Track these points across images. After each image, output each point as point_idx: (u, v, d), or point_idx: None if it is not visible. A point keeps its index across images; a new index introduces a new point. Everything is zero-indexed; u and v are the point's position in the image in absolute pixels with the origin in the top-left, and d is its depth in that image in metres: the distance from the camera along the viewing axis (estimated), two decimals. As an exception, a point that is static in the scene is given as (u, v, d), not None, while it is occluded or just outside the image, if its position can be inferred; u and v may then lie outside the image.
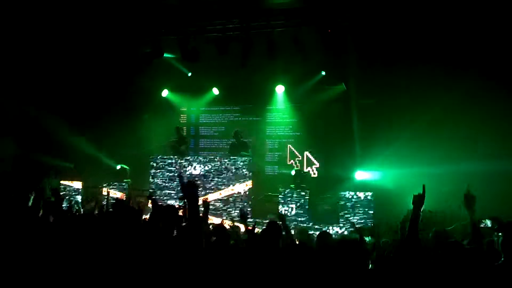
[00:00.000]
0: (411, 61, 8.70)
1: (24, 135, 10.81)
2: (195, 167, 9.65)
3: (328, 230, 7.32)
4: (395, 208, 8.30)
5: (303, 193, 8.84)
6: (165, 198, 9.58)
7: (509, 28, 7.73)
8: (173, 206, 4.45)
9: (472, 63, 8.14)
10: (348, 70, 9.71)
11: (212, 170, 9.51)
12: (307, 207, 8.70)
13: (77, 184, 10.32)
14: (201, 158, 9.92)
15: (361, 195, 8.46)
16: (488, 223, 3.80)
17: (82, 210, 8.06)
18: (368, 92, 9.66)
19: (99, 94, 10.99)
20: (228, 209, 9.18)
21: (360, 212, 8.34)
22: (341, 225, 8.28)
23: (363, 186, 8.92)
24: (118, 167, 10.47)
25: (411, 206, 3.37)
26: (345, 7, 8.86)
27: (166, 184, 9.79)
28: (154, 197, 6.05)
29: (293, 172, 9.38)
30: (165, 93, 11.87)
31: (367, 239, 5.06)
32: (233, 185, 9.27)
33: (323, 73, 10.33)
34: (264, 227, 3.88)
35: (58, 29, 9.61)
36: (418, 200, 3.25)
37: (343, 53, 9.07)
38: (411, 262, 3.18)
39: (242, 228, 6.10)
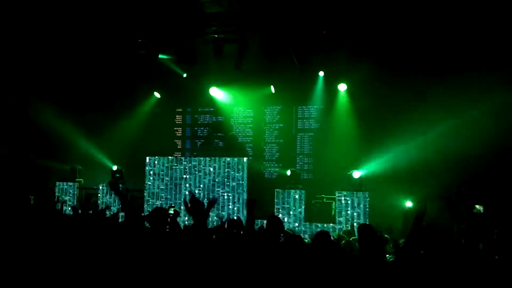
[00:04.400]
0: (408, 63, 8.76)
1: (19, 136, 10.76)
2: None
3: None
4: (390, 207, 8.41)
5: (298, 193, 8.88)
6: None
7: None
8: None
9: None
10: (344, 72, 9.76)
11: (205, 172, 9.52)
12: (302, 207, 8.73)
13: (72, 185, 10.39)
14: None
15: (356, 194, 8.51)
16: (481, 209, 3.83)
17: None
18: (365, 93, 9.69)
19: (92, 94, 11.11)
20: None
21: (355, 211, 8.37)
22: (337, 224, 8.33)
23: (359, 186, 8.93)
24: (114, 168, 10.50)
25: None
26: (341, 7, 8.87)
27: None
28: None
29: (288, 172, 9.39)
30: (156, 94, 11.86)
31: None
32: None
33: (322, 73, 10.34)
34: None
35: (59, 28, 9.63)
36: (421, 216, 3.31)
37: (339, 54, 9.12)
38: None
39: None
